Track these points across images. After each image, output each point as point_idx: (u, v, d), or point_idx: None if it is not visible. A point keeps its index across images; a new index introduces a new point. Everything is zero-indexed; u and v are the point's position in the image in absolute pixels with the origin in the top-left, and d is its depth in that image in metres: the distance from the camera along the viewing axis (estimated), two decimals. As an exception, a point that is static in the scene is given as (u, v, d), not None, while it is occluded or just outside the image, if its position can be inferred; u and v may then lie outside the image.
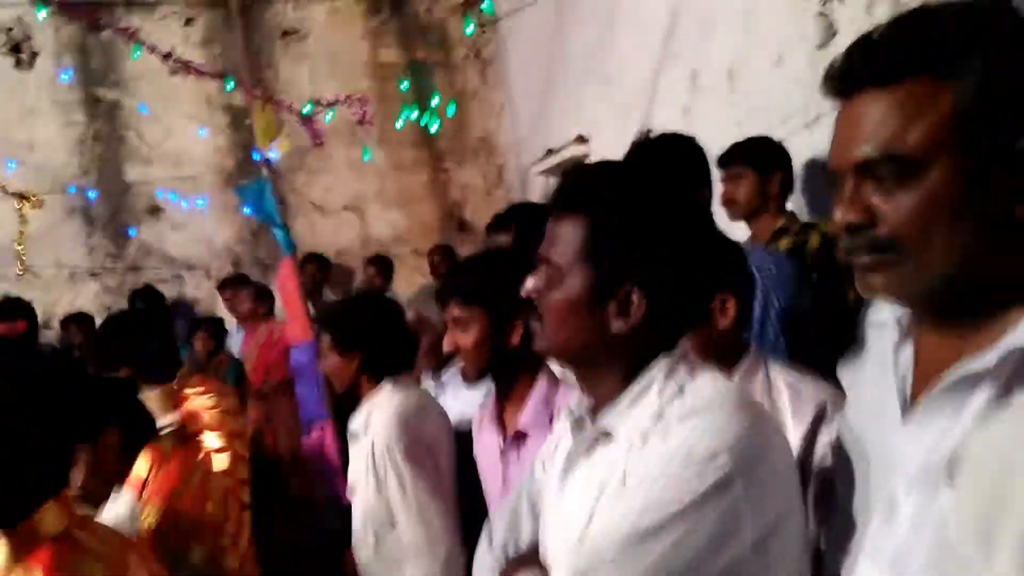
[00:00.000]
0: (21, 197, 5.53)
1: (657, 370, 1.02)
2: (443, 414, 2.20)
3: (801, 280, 2.15)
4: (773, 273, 2.00)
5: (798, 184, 2.82)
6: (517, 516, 1.27)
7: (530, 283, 1.09)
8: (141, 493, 2.09)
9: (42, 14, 5.27)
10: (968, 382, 0.78)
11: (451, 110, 5.92)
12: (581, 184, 1.07)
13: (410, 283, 5.97)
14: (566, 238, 1.04)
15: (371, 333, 2.16)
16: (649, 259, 1.01)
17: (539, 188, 5.86)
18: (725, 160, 2.66)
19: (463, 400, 2.29)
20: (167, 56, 4.71)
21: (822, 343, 1.75)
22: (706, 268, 1.09)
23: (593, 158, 4.97)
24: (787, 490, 0.97)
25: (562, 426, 1.22)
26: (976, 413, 0.77)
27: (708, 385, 1.01)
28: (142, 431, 2.11)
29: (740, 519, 0.90)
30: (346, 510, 2.21)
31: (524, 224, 2.25)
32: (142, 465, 2.10)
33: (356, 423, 2.15)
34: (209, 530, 2.18)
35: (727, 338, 1.52)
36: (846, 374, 1.08)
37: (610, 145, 4.27)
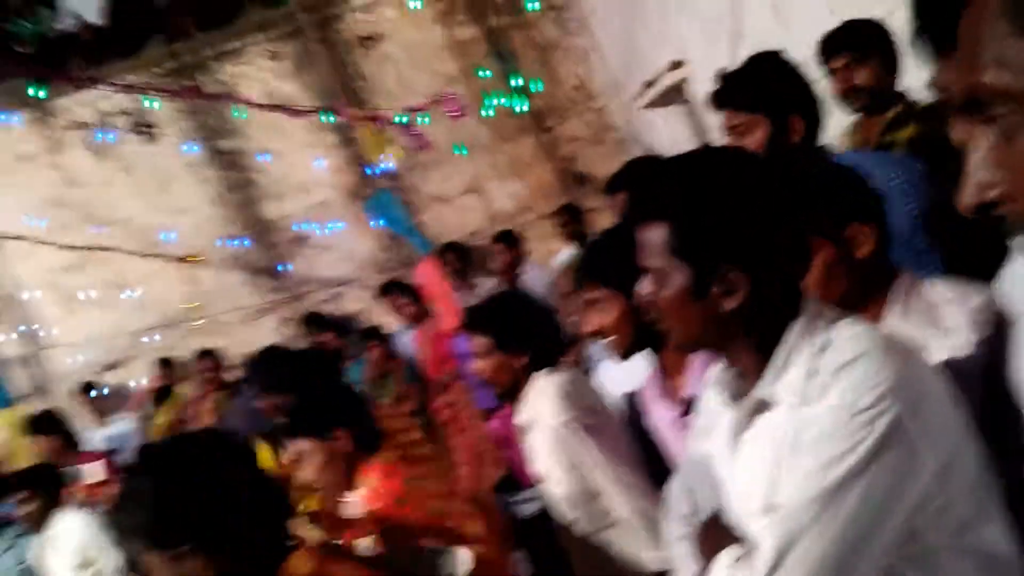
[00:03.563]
0: (182, 260, 6.11)
1: (797, 333, 1.08)
2: (595, 387, 2.25)
3: (936, 173, 1.95)
4: (900, 180, 1.84)
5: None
6: (692, 486, 1.32)
7: (643, 291, 1.17)
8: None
9: (153, 104, 5.68)
10: None
11: (536, 85, 5.91)
12: (650, 193, 1.16)
13: (542, 249, 6.08)
14: (655, 244, 1.12)
15: (536, 330, 2.22)
16: (733, 239, 1.07)
17: (646, 123, 5.79)
18: (829, 49, 2.48)
19: (614, 376, 2.28)
20: (263, 107, 5.00)
21: (980, 239, 1.64)
22: (796, 220, 1.13)
23: (692, 81, 4.85)
24: (954, 417, 1.02)
25: (712, 397, 1.26)
26: None
27: (851, 334, 1.05)
28: (373, 438, 2.24)
29: (918, 455, 0.96)
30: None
31: (639, 180, 2.23)
32: (370, 479, 2.19)
33: (523, 416, 2.21)
34: (433, 529, 2.30)
35: (872, 267, 1.44)
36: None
37: (705, 62, 4.16)
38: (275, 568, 1.28)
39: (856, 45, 2.45)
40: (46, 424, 4.35)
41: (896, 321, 1.38)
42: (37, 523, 3.44)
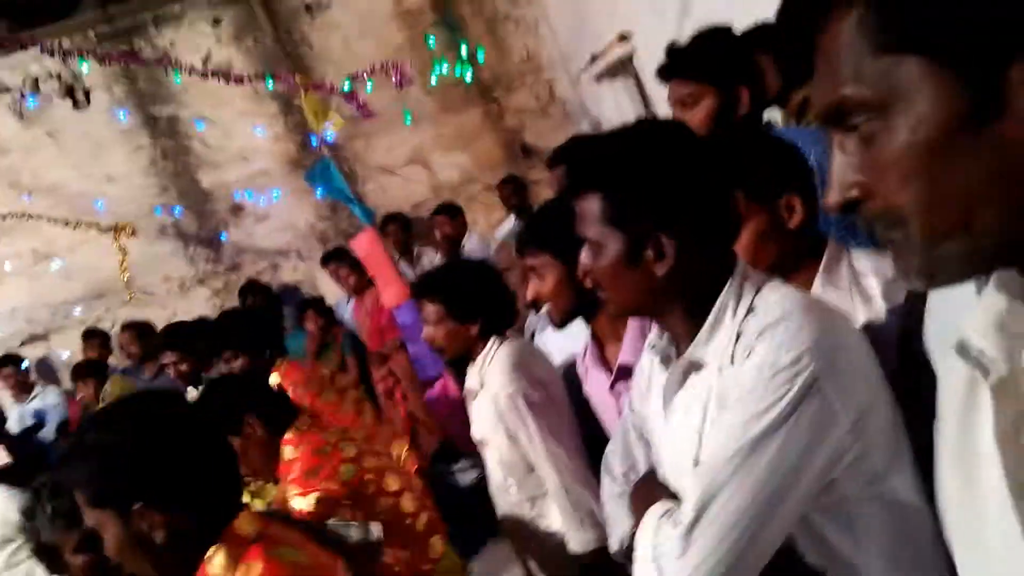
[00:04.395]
0: (115, 230, 5.89)
1: (725, 296, 1.14)
2: (546, 357, 2.27)
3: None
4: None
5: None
6: (628, 447, 1.40)
7: (582, 261, 1.22)
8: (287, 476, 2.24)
9: (85, 67, 5.44)
10: None
11: (481, 54, 5.83)
12: (584, 166, 1.22)
13: (489, 220, 6.03)
14: (590, 214, 1.18)
15: (487, 298, 2.22)
16: (661, 206, 1.13)
17: (593, 95, 5.75)
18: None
19: (555, 344, 2.33)
20: (202, 74, 4.83)
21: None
22: (725, 188, 1.19)
23: (639, 55, 4.82)
24: (869, 374, 1.08)
25: (649, 361, 1.33)
26: None
27: (775, 298, 1.12)
28: (283, 416, 2.30)
29: (833, 410, 1.01)
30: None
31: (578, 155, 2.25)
32: (288, 450, 2.25)
33: (471, 381, 2.24)
34: (348, 499, 2.29)
35: (802, 236, 1.50)
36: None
37: (653, 36, 4.12)
38: (223, 527, 1.30)
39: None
40: None
41: (823, 289, 1.44)
42: None
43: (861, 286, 1.46)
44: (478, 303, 2.21)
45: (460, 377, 2.83)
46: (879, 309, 1.41)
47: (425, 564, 2.34)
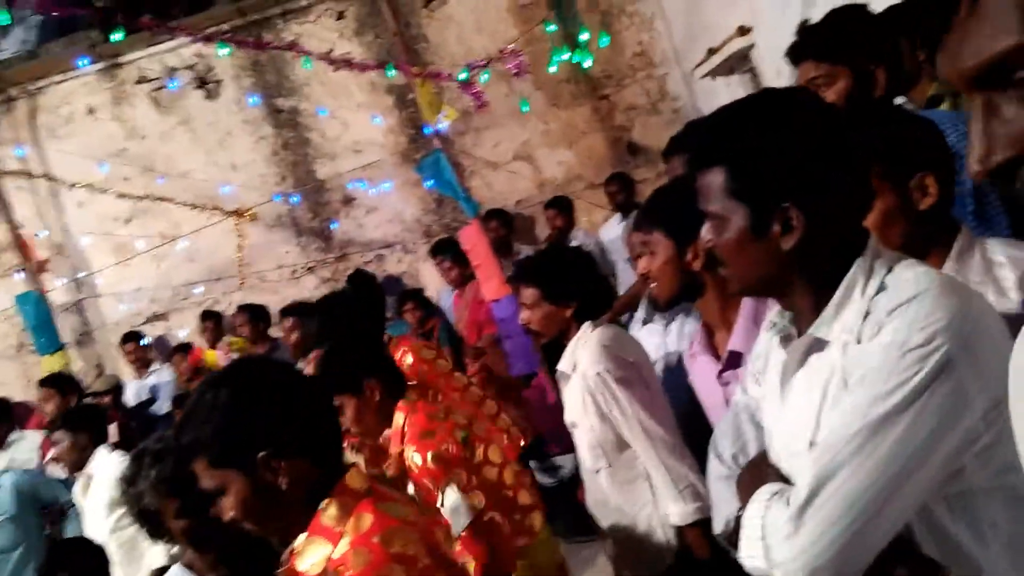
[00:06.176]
0: (238, 214, 6.18)
1: (855, 272, 1.08)
2: (638, 344, 2.27)
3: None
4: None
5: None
6: (739, 429, 1.34)
7: (703, 237, 1.18)
8: (401, 441, 2.34)
9: (224, 51, 5.73)
10: None
11: (603, 40, 5.76)
12: (707, 138, 1.16)
13: (591, 220, 5.98)
14: (714, 188, 1.13)
15: (583, 281, 2.27)
16: (788, 177, 1.07)
17: (706, 92, 5.60)
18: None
19: (649, 342, 2.34)
20: (330, 61, 5.02)
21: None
22: (857, 161, 1.11)
23: (758, 49, 4.66)
24: (1008, 360, 0.97)
25: (767, 341, 1.28)
26: None
27: (909, 275, 1.05)
28: (399, 384, 2.44)
29: (966, 395, 0.96)
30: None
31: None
32: (398, 418, 2.38)
33: (563, 364, 2.26)
34: (461, 463, 2.36)
35: (933, 219, 1.42)
36: None
37: (775, 29, 3.97)
38: (335, 480, 1.35)
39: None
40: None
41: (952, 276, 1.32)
42: (76, 462, 3.51)
43: (995, 277, 1.37)
44: (573, 286, 2.24)
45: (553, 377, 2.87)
46: (1015, 302, 1.32)
47: (523, 537, 2.39)
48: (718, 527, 1.25)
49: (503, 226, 5.68)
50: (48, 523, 3.96)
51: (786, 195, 1.07)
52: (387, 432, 2.40)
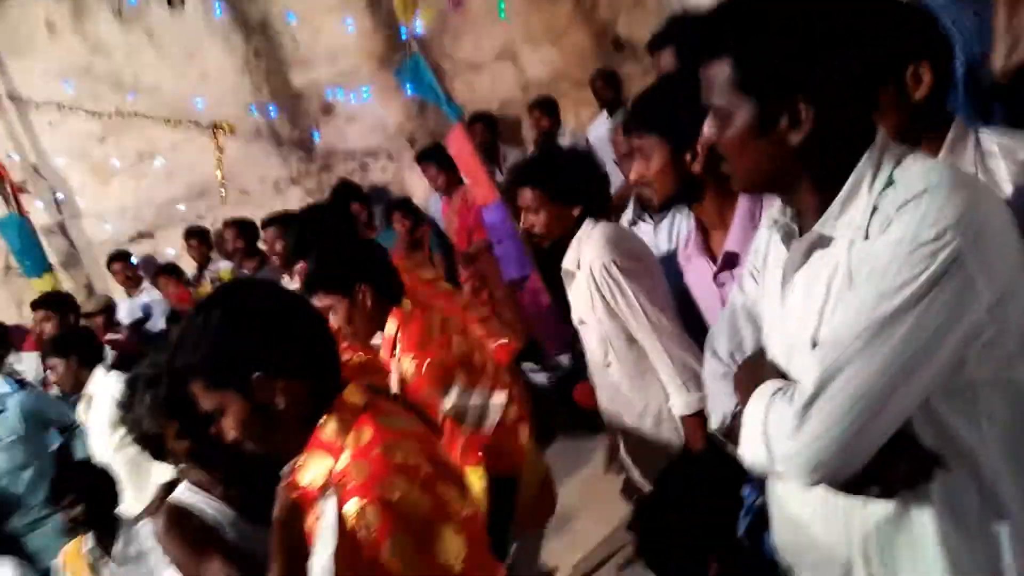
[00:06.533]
0: (215, 128, 6.03)
1: (862, 167, 1.06)
2: (640, 239, 2.24)
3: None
4: (970, 22, 1.71)
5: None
6: (735, 327, 1.35)
7: (706, 132, 1.14)
8: (393, 351, 2.36)
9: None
10: None
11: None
12: (711, 29, 1.11)
13: (579, 118, 5.87)
14: (719, 81, 1.09)
15: (587, 181, 2.21)
16: (797, 69, 1.04)
17: (691, -18, 5.40)
18: None
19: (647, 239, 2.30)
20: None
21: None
22: (862, 52, 1.07)
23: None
24: (1015, 254, 1.01)
25: (766, 237, 1.27)
26: None
27: (918, 169, 1.03)
28: (393, 289, 2.42)
29: (974, 288, 0.96)
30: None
31: (685, 37, 2.14)
32: (391, 326, 2.37)
33: (568, 262, 2.23)
34: (460, 366, 2.39)
35: (927, 109, 1.39)
36: None
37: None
38: (333, 397, 1.35)
39: None
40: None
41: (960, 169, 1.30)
42: (73, 384, 3.54)
43: (988, 168, 1.36)
44: (579, 185, 2.19)
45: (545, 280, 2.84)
46: (1007, 194, 1.31)
47: (514, 446, 2.43)
48: (714, 423, 1.27)
49: (488, 130, 5.56)
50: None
51: (795, 88, 1.04)
52: (377, 339, 2.40)
